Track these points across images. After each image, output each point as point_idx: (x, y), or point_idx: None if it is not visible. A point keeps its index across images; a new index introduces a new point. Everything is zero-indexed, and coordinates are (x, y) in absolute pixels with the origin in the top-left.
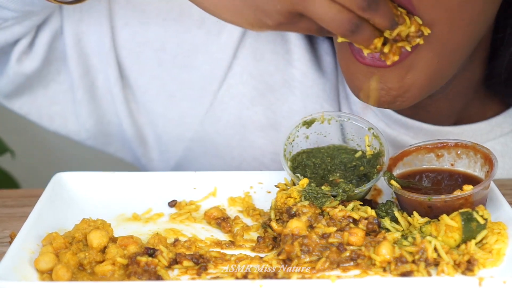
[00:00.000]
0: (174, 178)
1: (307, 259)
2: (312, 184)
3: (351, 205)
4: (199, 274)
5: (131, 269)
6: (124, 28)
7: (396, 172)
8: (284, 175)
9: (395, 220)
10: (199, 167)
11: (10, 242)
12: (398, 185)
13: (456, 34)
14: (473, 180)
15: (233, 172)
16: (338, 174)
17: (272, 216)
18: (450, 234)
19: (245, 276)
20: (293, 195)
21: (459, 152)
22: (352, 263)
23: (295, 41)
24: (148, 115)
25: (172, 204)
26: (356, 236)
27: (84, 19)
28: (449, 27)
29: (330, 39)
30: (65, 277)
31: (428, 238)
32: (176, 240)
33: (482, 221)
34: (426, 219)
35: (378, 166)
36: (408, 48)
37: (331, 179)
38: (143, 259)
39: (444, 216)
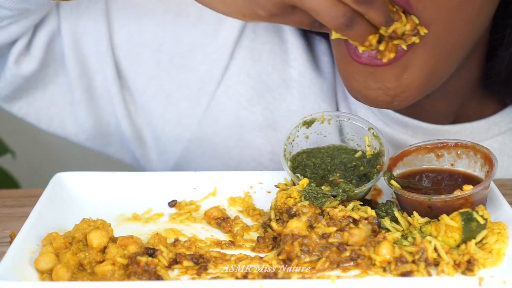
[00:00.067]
0: (174, 178)
1: (307, 259)
2: (312, 184)
3: (351, 205)
4: (199, 274)
5: (131, 269)
6: (122, 29)
7: (396, 172)
8: (284, 175)
9: (395, 220)
10: (198, 167)
11: (10, 242)
12: (398, 185)
13: (454, 34)
14: (473, 180)
15: (233, 172)
16: (338, 174)
17: (272, 216)
18: (450, 234)
19: (245, 276)
20: (293, 195)
21: (459, 152)
22: (352, 263)
23: (293, 41)
24: (146, 116)
25: (172, 204)
26: (358, 236)
27: (81, 20)
28: (447, 27)
29: (328, 39)
30: (65, 277)
31: (428, 238)
32: (176, 240)
33: (482, 221)
34: (426, 219)
35: (378, 166)
36: (404, 47)
37: (331, 179)
38: (143, 259)
39: (444, 216)
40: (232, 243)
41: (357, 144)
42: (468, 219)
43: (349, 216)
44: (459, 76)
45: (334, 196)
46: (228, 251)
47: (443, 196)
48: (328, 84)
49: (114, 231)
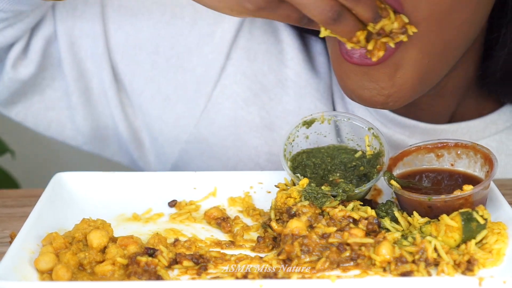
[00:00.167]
0: (174, 178)
1: (307, 259)
2: (312, 184)
3: (351, 205)
4: (199, 274)
5: (131, 269)
6: (117, 32)
7: (396, 172)
8: (284, 175)
9: (395, 220)
10: (196, 168)
11: (10, 242)
12: (398, 185)
13: (447, 34)
14: (473, 180)
15: (233, 172)
16: (338, 174)
17: (272, 216)
18: (450, 234)
19: (245, 276)
20: (293, 195)
21: (459, 152)
22: (352, 263)
23: (288, 41)
24: (143, 118)
25: (172, 204)
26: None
27: (77, 23)
28: (439, 27)
29: (324, 39)
30: (65, 277)
31: (428, 238)
32: (176, 240)
33: (482, 221)
34: (426, 219)
35: (378, 166)
36: (392, 45)
37: (331, 179)
38: (143, 259)
39: (444, 216)
40: (232, 243)
41: (357, 144)
42: (468, 219)
43: (349, 216)
44: (455, 75)
45: (334, 196)
46: (228, 251)
47: (443, 196)
48: (324, 84)
49: (114, 231)
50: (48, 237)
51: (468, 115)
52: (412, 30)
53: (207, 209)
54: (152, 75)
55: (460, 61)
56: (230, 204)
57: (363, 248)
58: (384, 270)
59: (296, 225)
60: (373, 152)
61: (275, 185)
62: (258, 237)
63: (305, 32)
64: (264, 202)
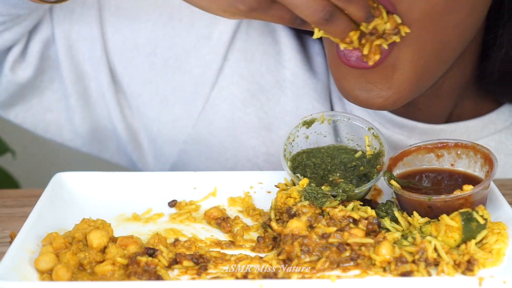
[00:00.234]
0: (174, 178)
1: (307, 259)
2: (312, 184)
3: (351, 205)
4: (199, 274)
5: (131, 269)
6: (115, 34)
7: (396, 172)
8: (284, 175)
9: (395, 220)
10: (194, 169)
11: (10, 242)
12: (398, 185)
13: (443, 35)
14: (473, 180)
15: (233, 172)
16: (338, 174)
17: (272, 216)
18: (450, 234)
19: (245, 276)
20: (293, 195)
21: (459, 152)
22: (352, 263)
23: (286, 41)
24: (142, 119)
25: (172, 204)
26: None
27: (75, 26)
28: (433, 28)
29: (321, 40)
30: (65, 277)
31: (428, 238)
32: (176, 240)
33: (482, 221)
34: (426, 219)
35: (378, 166)
36: (385, 46)
37: (331, 179)
38: (143, 259)
39: (444, 216)
40: (232, 243)
41: (357, 144)
42: (468, 219)
43: (349, 216)
44: (452, 75)
45: (334, 196)
46: (228, 251)
47: (443, 196)
48: (322, 85)
49: (114, 231)
50: (48, 237)
51: (467, 115)
52: (404, 30)
53: (207, 209)
54: (150, 76)
55: (457, 61)
56: (230, 204)
57: (363, 248)
58: (384, 270)
59: (296, 225)
60: (373, 152)
61: (275, 185)
62: (258, 237)
63: (302, 33)
64: (264, 202)
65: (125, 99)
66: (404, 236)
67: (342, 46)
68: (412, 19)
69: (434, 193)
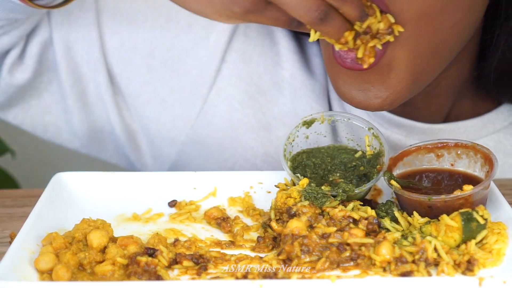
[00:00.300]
0: (174, 178)
1: (307, 259)
2: (312, 184)
3: (351, 205)
4: (199, 274)
5: (131, 269)
6: (113, 36)
7: (396, 172)
8: (284, 175)
9: (395, 220)
10: (193, 170)
11: (10, 242)
12: (398, 185)
13: (439, 36)
14: (473, 180)
15: (233, 172)
16: (338, 174)
17: (272, 216)
18: (450, 234)
19: (245, 276)
20: (293, 195)
21: (459, 152)
22: (352, 263)
23: (284, 43)
24: (140, 121)
25: (172, 204)
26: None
27: (72, 28)
28: (429, 29)
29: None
30: (65, 277)
31: (428, 238)
32: (176, 240)
33: (482, 221)
34: (426, 219)
35: (378, 166)
36: (379, 46)
37: (331, 179)
38: (143, 259)
39: (444, 216)
40: (232, 243)
41: (357, 144)
42: (468, 219)
43: (349, 216)
44: (449, 75)
45: (334, 196)
46: (228, 251)
47: (443, 196)
48: (320, 86)
49: (114, 231)
50: (48, 237)
51: (465, 114)
52: (398, 29)
53: (207, 209)
54: (148, 78)
55: (455, 61)
56: (230, 204)
57: (363, 248)
58: (384, 270)
59: (296, 225)
60: (373, 152)
61: (275, 185)
62: (258, 237)
63: (300, 34)
64: (264, 202)
65: (123, 100)
66: (404, 236)
67: (337, 47)
68: (406, 18)
69: (434, 193)
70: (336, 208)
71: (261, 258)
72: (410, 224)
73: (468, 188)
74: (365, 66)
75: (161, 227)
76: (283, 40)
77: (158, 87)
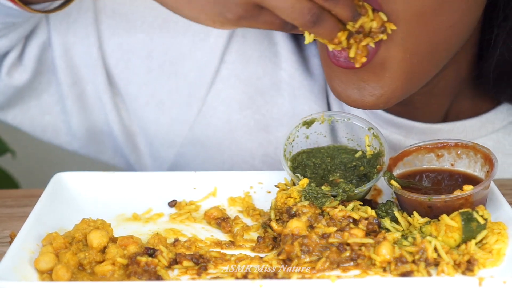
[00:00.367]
0: (174, 178)
1: (307, 259)
2: (312, 184)
3: (351, 205)
4: (199, 274)
5: (131, 269)
6: (111, 38)
7: (396, 172)
8: (284, 175)
9: (395, 220)
10: (192, 171)
11: (10, 242)
12: (398, 185)
13: (436, 36)
14: (473, 180)
15: (233, 172)
16: (338, 174)
17: (272, 216)
18: (450, 234)
19: (245, 276)
20: (293, 195)
21: (459, 152)
22: (352, 263)
23: (282, 43)
24: (138, 122)
25: (172, 204)
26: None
27: (71, 30)
28: (424, 28)
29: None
30: (65, 277)
31: (428, 238)
32: (176, 240)
33: (482, 221)
34: (426, 219)
35: (378, 166)
36: (372, 45)
37: (331, 179)
38: (143, 259)
39: (444, 216)
40: (232, 243)
41: (357, 144)
42: (468, 219)
43: (349, 216)
44: (446, 75)
45: (334, 196)
46: (228, 251)
47: (443, 196)
48: (319, 86)
49: (114, 231)
50: (48, 237)
51: (465, 114)
52: (390, 27)
53: (207, 209)
54: (147, 79)
55: (453, 61)
56: (230, 204)
57: (363, 248)
58: (384, 270)
59: (296, 225)
60: (373, 152)
61: (275, 185)
62: (258, 237)
63: (299, 34)
64: (264, 202)
65: (122, 102)
66: (404, 236)
67: (330, 47)
68: (399, 17)
69: (434, 193)
70: (336, 208)
71: (261, 258)
72: (410, 224)
73: (468, 188)
74: (357, 66)
75: (161, 227)
76: (282, 41)
77: (156, 88)
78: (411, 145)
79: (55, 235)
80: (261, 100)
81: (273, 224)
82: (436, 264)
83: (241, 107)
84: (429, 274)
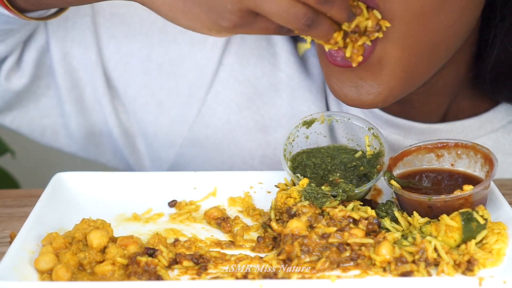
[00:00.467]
0: (174, 178)
1: (307, 259)
2: (312, 184)
3: (351, 205)
4: (199, 274)
5: (131, 269)
6: (110, 41)
7: (396, 172)
8: (284, 175)
9: (395, 220)
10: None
11: (10, 242)
12: (398, 185)
13: (434, 35)
14: (473, 180)
15: (233, 172)
16: (338, 174)
17: (272, 216)
18: (450, 234)
19: (245, 276)
20: (293, 195)
21: (459, 152)
22: (352, 263)
23: (281, 44)
24: (138, 124)
25: (172, 204)
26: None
27: (69, 34)
28: (422, 28)
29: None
30: (65, 277)
31: (428, 238)
32: (176, 240)
33: (482, 221)
34: (426, 219)
35: (378, 166)
36: (368, 43)
37: (331, 179)
38: (143, 259)
39: (444, 216)
40: (232, 243)
41: (357, 144)
42: (468, 219)
43: (349, 216)
44: (445, 74)
45: (334, 196)
46: (228, 251)
47: (443, 196)
48: (318, 86)
49: (114, 231)
50: (48, 237)
51: (463, 114)
52: (385, 25)
53: (207, 209)
54: (145, 81)
55: (451, 61)
56: (230, 204)
57: (363, 248)
58: (384, 270)
59: (296, 225)
60: (373, 152)
61: (275, 185)
62: (258, 237)
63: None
64: (264, 202)
65: (121, 104)
66: (404, 236)
67: (327, 48)
68: (395, 16)
69: (434, 193)
70: (336, 208)
71: (261, 258)
72: (410, 224)
73: (468, 188)
74: (354, 65)
75: (161, 227)
76: (280, 42)
77: (155, 90)
78: (411, 145)
79: (55, 235)
80: (260, 101)
81: (273, 224)
82: (436, 264)
83: (240, 108)
84: (429, 274)
